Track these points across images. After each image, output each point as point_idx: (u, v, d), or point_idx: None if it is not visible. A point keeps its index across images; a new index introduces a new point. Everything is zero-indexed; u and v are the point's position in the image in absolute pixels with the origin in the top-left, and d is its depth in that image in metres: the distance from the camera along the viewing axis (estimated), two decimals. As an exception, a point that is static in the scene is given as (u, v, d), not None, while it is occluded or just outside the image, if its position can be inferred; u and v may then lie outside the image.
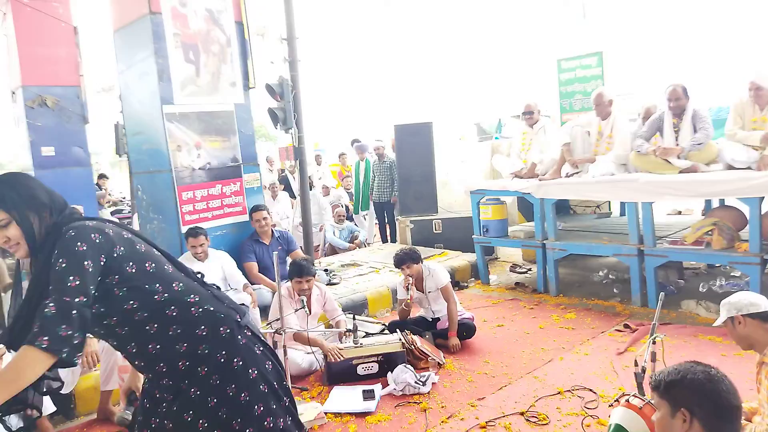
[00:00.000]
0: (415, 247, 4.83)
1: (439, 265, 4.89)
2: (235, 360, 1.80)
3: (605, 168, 5.28)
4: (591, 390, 3.55)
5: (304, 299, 4.10)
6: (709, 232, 4.73)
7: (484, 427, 3.22)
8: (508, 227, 6.55)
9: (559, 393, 3.55)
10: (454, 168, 8.77)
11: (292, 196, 10.46)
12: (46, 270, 1.64)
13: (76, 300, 1.58)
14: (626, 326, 4.63)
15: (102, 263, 1.67)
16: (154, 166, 4.93)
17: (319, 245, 8.79)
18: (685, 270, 5.95)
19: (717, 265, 5.64)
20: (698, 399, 1.68)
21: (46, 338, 1.53)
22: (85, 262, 1.62)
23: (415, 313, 4.88)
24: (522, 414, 3.32)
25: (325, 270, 6.27)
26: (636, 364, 2.77)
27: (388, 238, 9.20)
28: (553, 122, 6.82)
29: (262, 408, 1.81)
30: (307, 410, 3.45)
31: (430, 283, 4.63)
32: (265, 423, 1.81)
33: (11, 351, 1.94)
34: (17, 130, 9.11)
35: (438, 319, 4.72)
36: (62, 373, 3.36)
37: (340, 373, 3.97)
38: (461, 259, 6.81)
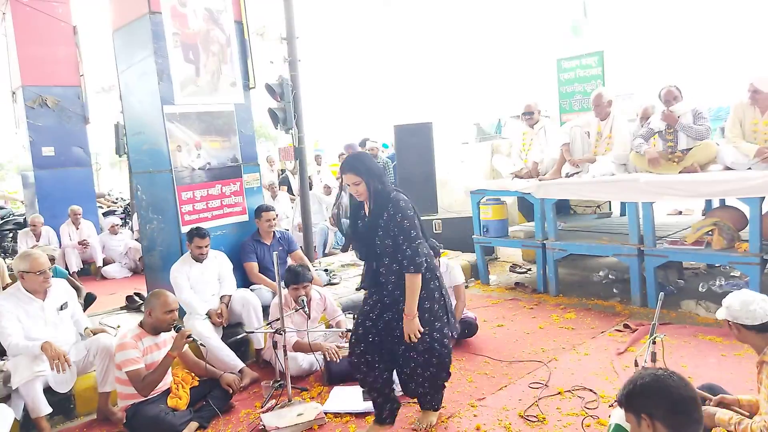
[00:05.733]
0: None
1: (457, 263, 4.87)
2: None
3: (605, 168, 5.28)
4: (591, 390, 3.54)
5: (304, 299, 4.10)
6: (709, 232, 4.73)
7: (483, 427, 3.22)
8: (508, 227, 6.55)
9: (559, 393, 3.55)
10: (454, 168, 8.76)
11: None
12: (380, 217, 2.98)
13: (418, 241, 2.95)
14: (626, 326, 4.62)
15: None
16: (154, 166, 4.92)
17: (316, 245, 8.78)
18: (685, 270, 5.95)
19: (717, 265, 5.64)
20: (652, 401, 1.74)
21: (412, 267, 2.92)
22: (416, 221, 3.00)
23: None
24: (521, 415, 3.32)
25: (325, 270, 6.26)
26: (636, 364, 2.76)
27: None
28: (553, 122, 6.82)
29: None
30: (307, 410, 3.45)
31: (446, 279, 4.65)
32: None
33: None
34: (17, 130, 9.13)
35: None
36: (60, 375, 3.38)
37: (340, 373, 3.97)
38: (461, 259, 6.80)
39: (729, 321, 2.45)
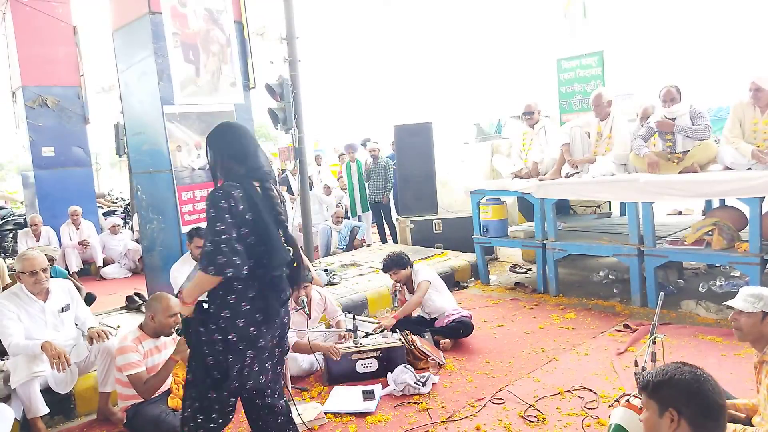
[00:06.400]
0: (404, 252, 4.81)
1: (426, 267, 4.91)
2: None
3: (605, 168, 5.28)
4: (591, 390, 3.54)
5: (305, 299, 4.09)
6: (709, 232, 4.73)
7: (483, 427, 3.23)
8: (508, 227, 6.55)
9: (559, 393, 3.55)
10: (454, 168, 8.77)
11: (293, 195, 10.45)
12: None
13: (225, 236, 2.25)
14: (626, 326, 4.62)
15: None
16: (154, 166, 4.93)
17: (318, 245, 8.78)
18: (685, 270, 5.95)
19: (717, 265, 5.63)
20: (686, 399, 1.72)
21: (212, 268, 2.23)
22: (227, 217, 2.28)
23: (415, 312, 4.90)
24: (521, 415, 3.32)
25: (325, 270, 6.26)
26: (636, 364, 2.76)
27: (388, 238, 9.18)
28: (552, 122, 6.83)
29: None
30: (307, 410, 3.45)
31: (415, 280, 4.68)
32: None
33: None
34: (17, 130, 9.13)
35: (435, 318, 4.73)
36: (60, 376, 3.38)
37: (340, 373, 3.97)
38: (461, 259, 6.80)
39: (766, 312, 2.36)
